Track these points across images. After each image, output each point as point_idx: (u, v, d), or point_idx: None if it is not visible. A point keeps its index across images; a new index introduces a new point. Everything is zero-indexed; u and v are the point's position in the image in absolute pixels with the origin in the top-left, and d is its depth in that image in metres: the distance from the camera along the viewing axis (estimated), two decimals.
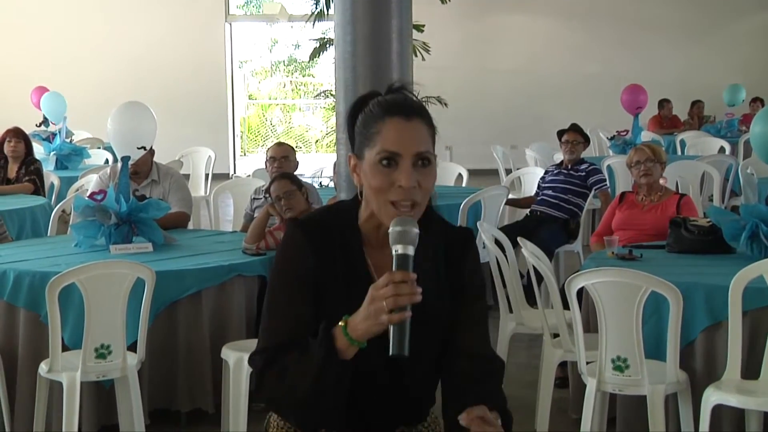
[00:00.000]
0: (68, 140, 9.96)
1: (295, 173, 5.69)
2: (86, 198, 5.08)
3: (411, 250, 1.81)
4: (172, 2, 15.27)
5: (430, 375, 2.09)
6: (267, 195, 5.25)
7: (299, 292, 1.97)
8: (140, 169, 5.69)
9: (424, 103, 2.02)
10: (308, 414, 1.94)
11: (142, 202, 5.06)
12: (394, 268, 1.80)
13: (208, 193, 9.09)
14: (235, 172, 15.16)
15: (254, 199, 5.90)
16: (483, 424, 1.85)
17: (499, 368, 2.11)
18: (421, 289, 1.80)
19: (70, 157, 9.27)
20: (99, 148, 10.57)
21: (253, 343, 4.34)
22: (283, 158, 5.90)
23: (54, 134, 9.75)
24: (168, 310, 4.38)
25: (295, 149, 6.21)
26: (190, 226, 6.23)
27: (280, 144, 6.21)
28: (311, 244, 1.98)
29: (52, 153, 9.26)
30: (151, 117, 5.33)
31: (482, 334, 2.11)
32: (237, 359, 4.20)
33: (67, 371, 3.99)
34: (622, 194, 5.80)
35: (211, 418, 4.51)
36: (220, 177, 10.04)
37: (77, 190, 7.04)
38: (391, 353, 1.78)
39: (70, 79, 14.18)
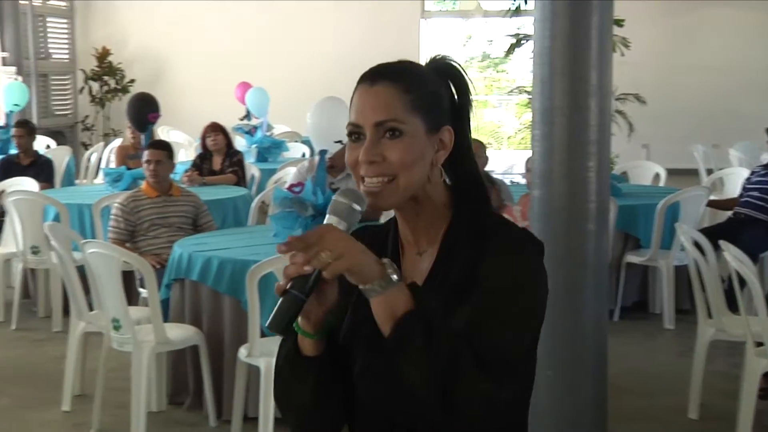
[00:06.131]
0: (269, 133, 10.30)
1: (486, 169, 5.67)
2: (285, 190, 5.26)
3: (335, 221, 1.51)
4: (371, 2, 15.54)
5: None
6: None
7: None
8: (336, 163, 5.82)
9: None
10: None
11: None
12: None
13: None
14: None
15: None
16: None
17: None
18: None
19: (270, 150, 9.60)
20: (297, 141, 10.86)
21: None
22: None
23: (256, 128, 10.10)
24: None
25: (486, 145, 6.19)
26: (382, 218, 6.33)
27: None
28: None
29: (253, 146, 9.60)
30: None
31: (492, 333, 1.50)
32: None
33: (264, 356, 4.14)
34: None
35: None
36: None
37: (276, 182, 7.29)
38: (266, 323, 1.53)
39: (272, 75, 14.70)
